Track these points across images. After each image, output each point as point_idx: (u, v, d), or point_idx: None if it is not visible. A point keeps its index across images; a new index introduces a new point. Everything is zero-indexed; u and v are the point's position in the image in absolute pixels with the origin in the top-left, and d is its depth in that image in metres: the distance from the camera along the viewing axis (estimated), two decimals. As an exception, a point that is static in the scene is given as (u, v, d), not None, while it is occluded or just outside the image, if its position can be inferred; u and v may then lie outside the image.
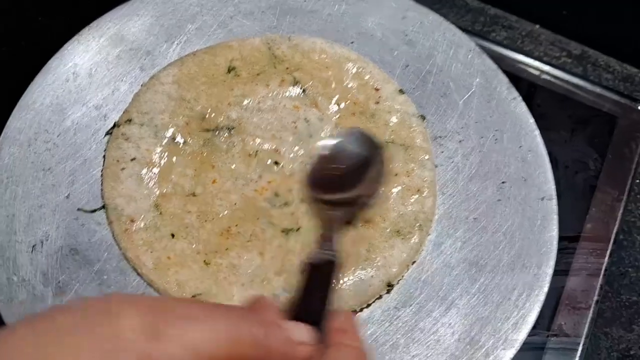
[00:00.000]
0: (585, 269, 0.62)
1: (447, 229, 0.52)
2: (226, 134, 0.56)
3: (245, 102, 0.57)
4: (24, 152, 0.53)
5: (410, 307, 0.49)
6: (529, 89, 0.65)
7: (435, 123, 0.56)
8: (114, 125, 0.56)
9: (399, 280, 0.51)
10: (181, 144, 0.55)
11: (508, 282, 0.49)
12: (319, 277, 0.43)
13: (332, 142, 0.52)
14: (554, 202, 0.52)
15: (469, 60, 0.58)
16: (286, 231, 0.52)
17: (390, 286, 0.50)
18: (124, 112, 0.56)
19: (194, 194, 0.53)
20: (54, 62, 0.57)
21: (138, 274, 0.50)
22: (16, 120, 0.54)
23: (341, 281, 0.50)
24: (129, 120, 0.56)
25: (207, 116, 0.56)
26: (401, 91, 0.58)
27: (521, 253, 0.50)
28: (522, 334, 0.47)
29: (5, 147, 0.53)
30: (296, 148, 0.55)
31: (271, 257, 0.51)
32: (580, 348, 0.59)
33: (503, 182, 0.53)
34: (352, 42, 0.60)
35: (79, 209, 0.52)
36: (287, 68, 0.59)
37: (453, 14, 0.80)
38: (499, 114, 0.56)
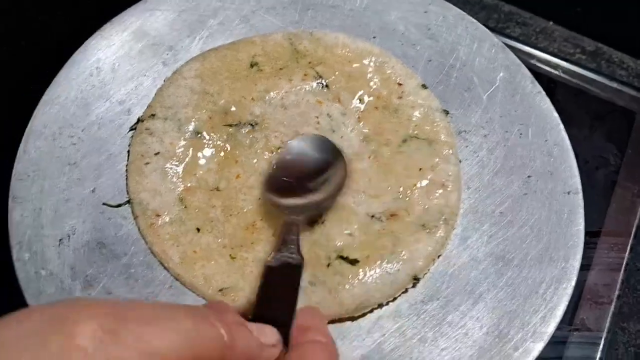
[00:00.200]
0: (607, 263, 0.62)
1: (473, 223, 0.52)
2: (249, 129, 0.56)
3: (268, 97, 0.57)
4: (50, 146, 0.53)
5: (438, 301, 0.49)
6: (547, 85, 0.65)
7: (459, 117, 0.56)
8: (138, 120, 0.56)
9: (425, 274, 0.51)
10: (205, 139, 0.55)
11: (535, 276, 0.49)
12: (281, 280, 0.42)
13: (291, 146, 0.53)
14: (580, 195, 0.52)
15: (492, 55, 0.58)
16: (311, 224, 0.52)
17: (416, 280, 0.50)
18: (147, 107, 0.56)
19: (217, 189, 0.53)
20: (77, 57, 0.57)
21: (165, 268, 0.50)
22: (41, 114, 0.54)
23: (367, 274, 0.50)
24: (153, 115, 0.56)
25: (230, 111, 0.56)
26: (424, 86, 0.58)
27: (548, 247, 0.50)
28: (550, 327, 0.47)
29: (31, 140, 0.53)
30: (318, 143, 0.55)
31: (297, 250, 0.51)
32: (602, 342, 0.59)
33: (529, 176, 0.53)
34: (374, 37, 0.60)
35: (104, 204, 0.52)
36: (310, 63, 0.59)
37: (467, 11, 0.79)
38: (523, 108, 0.56)
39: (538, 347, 0.47)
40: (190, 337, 0.28)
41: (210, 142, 0.55)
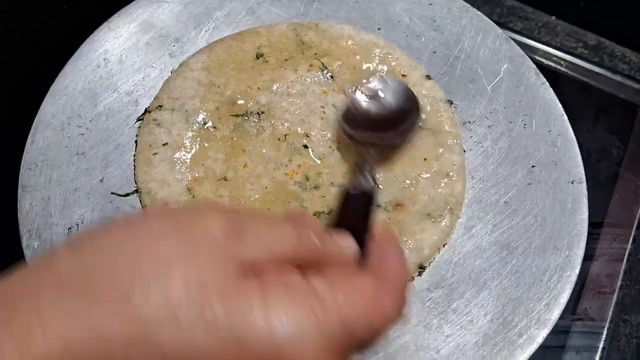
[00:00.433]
0: (610, 254, 0.63)
1: (477, 213, 0.53)
2: (256, 118, 0.56)
3: (275, 87, 0.57)
4: (58, 136, 0.54)
5: (442, 289, 0.50)
6: (550, 78, 0.66)
7: (464, 108, 0.57)
8: (145, 111, 0.56)
9: (430, 263, 0.51)
10: (212, 129, 0.56)
11: (540, 264, 0.50)
12: (355, 204, 0.43)
13: (373, 85, 0.54)
14: (584, 185, 0.53)
15: (496, 47, 0.59)
16: (317, 214, 0.52)
17: (422, 268, 0.51)
18: (154, 98, 0.57)
19: (225, 178, 0.54)
20: (84, 48, 0.58)
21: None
22: (49, 105, 0.55)
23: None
24: (160, 106, 0.56)
25: (236, 101, 0.57)
26: (428, 77, 0.58)
27: (552, 235, 0.51)
28: (554, 314, 0.48)
29: (40, 131, 0.54)
30: (324, 132, 0.56)
31: (304, 239, 0.51)
32: (604, 332, 0.60)
33: (533, 166, 0.54)
34: (379, 29, 0.60)
35: (112, 193, 0.53)
36: (315, 54, 0.59)
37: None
38: (527, 99, 0.56)
39: (542, 333, 0.47)
40: (293, 241, 0.31)
41: (218, 132, 0.56)
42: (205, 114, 0.56)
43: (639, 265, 0.66)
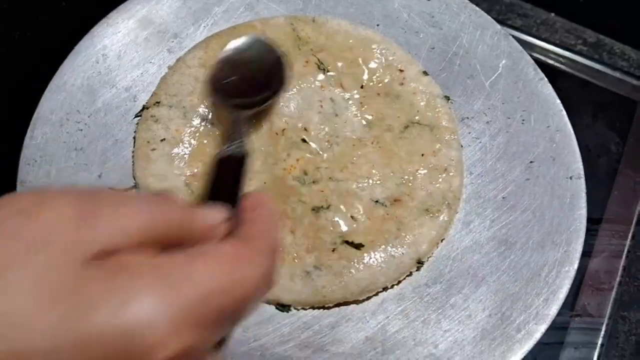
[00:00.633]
0: (608, 250, 0.63)
1: (475, 208, 0.53)
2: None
3: (272, 82, 0.57)
4: (56, 132, 0.54)
5: (441, 284, 0.50)
6: (549, 74, 0.66)
7: (462, 104, 0.57)
8: (143, 108, 0.56)
9: (428, 258, 0.51)
10: (210, 125, 0.56)
11: (538, 259, 0.50)
12: (228, 171, 0.43)
13: (232, 46, 0.55)
14: (582, 180, 0.53)
15: (495, 42, 0.59)
16: (316, 209, 0.52)
17: (420, 263, 0.51)
18: (152, 95, 0.57)
19: (223, 174, 0.54)
20: (83, 44, 0.58)
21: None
22: (48, 101, 0.55)
23: (372, 259, 0.50)
24: (158, 103, 0.56)
25: (234, 97, 0.57)
26: (425, 73, 0.58)
27: (550, 231, 0.51)
28: (553, 309, 0.48)
29: (39, 127, 0.54)
30: (322, 127, 0.56)
31: (302, 234, 0.51)
32: (603, 328, 0.60)
33: (531, 162, 0.54)
34: (377, 25, 0.60)
35: (110, 189, 0.53)
36: (312, 49, 0.59)
37: (469, 2, 0.80)
38: (525, 95, 0.56)
39: (540, 329, 0.47)
40: (156, 218, 0.30)
41: (216, 128, 0.56)
42: (202, 110, 0.56)
43: (638, 262, 0.66)
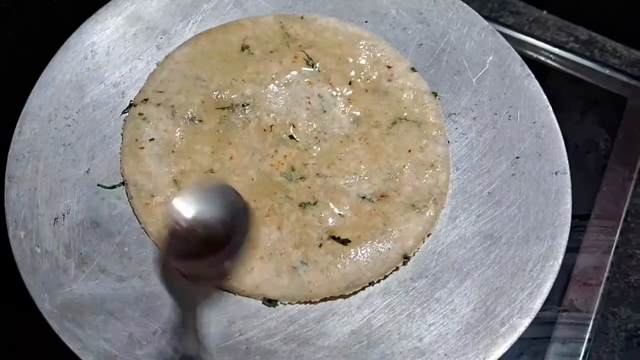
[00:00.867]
0: (596, 246, 0.63)
1: (461, 203, 0.53)
2: (242, 110, 0.56)
3: (259, 79, 0.58)
4: (45, 127, 0.54)
5: (426, 278, 0.50)
6: (539, 71, 0.66)
7: (449, 100, 0.57)
8: (130, 105, 0.56)
9: (414, 253, 0.51)
10: (198, 122, 0.56)
11: (523, 254, 0.50)
12: None
13: (189, 206, 0.45)
14: (568, 176, 0.53)
15: (482, 39, 0.59)
16: (303, 205, 0.53)
17: (406, 258, 0.51)
18: (140, 92, 0.57)
19: (212, 171, 0.54)
20: (72, 40, 0.58)
21: (158, 247, 0.51)
22: (36, 96, 0.55)
23: (358, 254, 0.51)
24: (146, 100, 0.56)
25: (222, 94, 0.57)
26: (413, 69, 0.58)
27: (535, 226, 0.51)
28: (537, 304, 0.48)
29: (27, 122, 0.54)
30: (310, 123, 0.56)
31: (289, 230, 0.52)
32: (590, 323, 0.60)
33: (517, 158, 0.54)
34: (366, 22, 0.61)
35: (99, 185, 0.53)
36: (300, 46, 0.59)
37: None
38: (512, 91, 0.57)
39: (525, 322, 0.48)
40: None
41: (204, 125, 0.56)
42: (190, 107, 0.56)
43: (628, 259, 0.66)
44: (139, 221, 0.52)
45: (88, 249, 0.50)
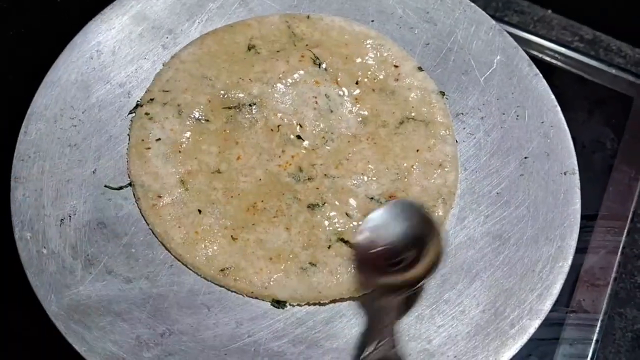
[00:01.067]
0: (604, 246, 0.63)
1: (470, 204, 0.53)
2: (248, 110, 0.56)
3: (266, 78, 0.57)
4: (50, 128, 0.54)
5: (435, 280, 0.50)
6: (544, 70, 0.66)
7: (456, 100, 0.57)
8: (137, 105, 0.56)
9: (423, 254, 0.51)
10: (204, 122, 0.55)
11: (532, 255, 0.50)
12: None
13: (374, 221, 0.47)
14: (577, 176, 0.53)
15: (489, 38, 0.59)
16: (312, 206, 0.52)
17: (415, 259, 0.51)
18: (146, 92, 0.57)
19: (219, 171, 0.54)
20: (78, 40, 0.58)
21: (166, 248, 0.51)
22: (42, 96, 0.55)
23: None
24: (152, 100, 0.56)
25: (228, 93, 0.57)
26: (420, 68, 0.58)
27: (544, 226, 0.51)
28: (547, 305, 0.48)
29: (32, 123, 0.54)
30: (317, 123, 0.56)
31: (297, 232, 0.51)
32: (598, 324, 0.60)
33: (525, 158, 0.54)
34: (372, 21, 0.60)
35: (105, 186, 0.53)
36: (307, 45, 0.59)
37: (466, -1, 0.80)
38: (520, 91, 0.56)
39: (534, 324, 0.47)
40: None
41: (211, 125, 0.55)
42: (197, 107, 0.56)
43: (634, 259, 0.66)
44: (146, 222, 0.52)
45: (95, 250, 0.50)
